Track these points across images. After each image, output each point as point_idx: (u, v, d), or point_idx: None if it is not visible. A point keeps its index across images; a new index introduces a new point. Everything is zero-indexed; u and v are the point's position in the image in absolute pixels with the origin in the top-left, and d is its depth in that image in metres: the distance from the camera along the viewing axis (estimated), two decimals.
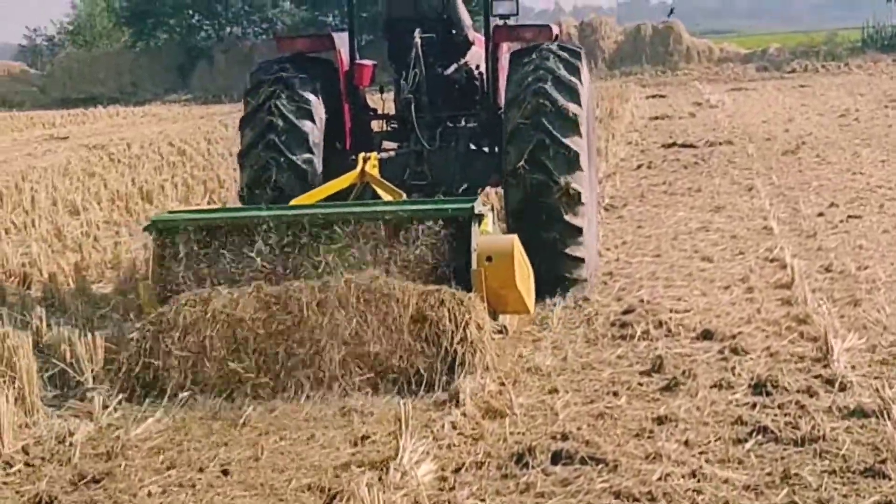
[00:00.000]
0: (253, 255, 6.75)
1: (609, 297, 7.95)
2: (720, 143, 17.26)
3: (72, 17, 57.15)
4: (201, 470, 5.09)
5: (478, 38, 9.39)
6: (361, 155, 8.15)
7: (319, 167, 8.27)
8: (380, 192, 7.76)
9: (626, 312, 7.40)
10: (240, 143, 8.49)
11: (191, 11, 48.86)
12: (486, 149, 9.00)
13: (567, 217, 7.78)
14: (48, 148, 24.02)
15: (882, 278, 7.91)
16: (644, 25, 46.04)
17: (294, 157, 8.12)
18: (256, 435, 5.51)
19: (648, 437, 5.18)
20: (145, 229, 7.12)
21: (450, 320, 6.18)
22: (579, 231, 7.86)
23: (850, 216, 10.46)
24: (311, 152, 8.23)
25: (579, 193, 7.78)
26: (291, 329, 6.22)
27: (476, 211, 6.63)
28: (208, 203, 13.15)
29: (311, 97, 8.34)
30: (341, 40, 8.96)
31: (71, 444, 5.43)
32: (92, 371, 6.37)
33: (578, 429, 5.30)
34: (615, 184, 13.37)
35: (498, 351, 6.53)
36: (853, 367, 5.97)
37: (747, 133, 18.77)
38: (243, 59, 46.71)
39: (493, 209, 7.30)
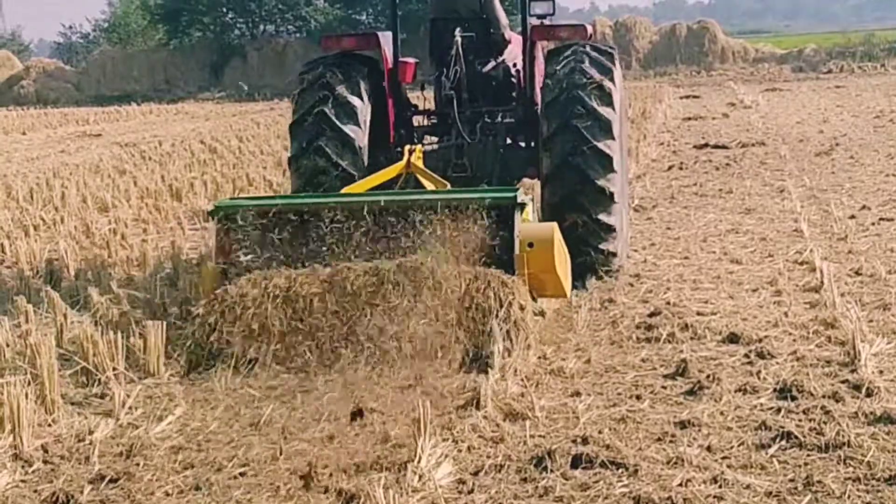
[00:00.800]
0: (313, 238, 7.13)
1: (635, 298, 7.88)
2: (753, 144, 17.16)
3: (107, 15, 57.68)
4: (219, 470, 5.06)
5: (514, 36, 9.81)
6: (407, 147, 8.56)
7: (366, 165, 8.70)
8: (425, 182, 8.14)
9: (652, 315, 7.33)
10: (290, 148, 8.98)
11: (225, 9, 49.10)
12: (522, 143, 9.49)
13: (600, 216, 8.20)
14: (81, 145, 24.16)
15: None
16: (679, 25, 45.90)
17: (341, 161, 8.56)
18: (276, 435, 5.47)
19: (670, 442, 5.12)
20: (210, 214, 7.53)
21: (495, 301, 6.57)
22: (612, 228, 8.30)
23: (882, 219, 10.35)
24: (357, 154, 8.66)
25: (612, 193, 8.20)
26: (347, 308, 6.57)
27: (518, 200, 7.02)
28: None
29: (357, 100, 8.75)
30: (385, 39, 9.31)
31: (90, 443, 5.41)
32: (114, 370, 6.36)
33: (599, 432, 5.24)
34: (645, 185, 13.28)
35: (524, 351, 6.50)
36: (881, 372, 5.89)
37: (780, 134, 18.64)
38: (277, 57, 47.03)
39: (532, 199, 7.52)
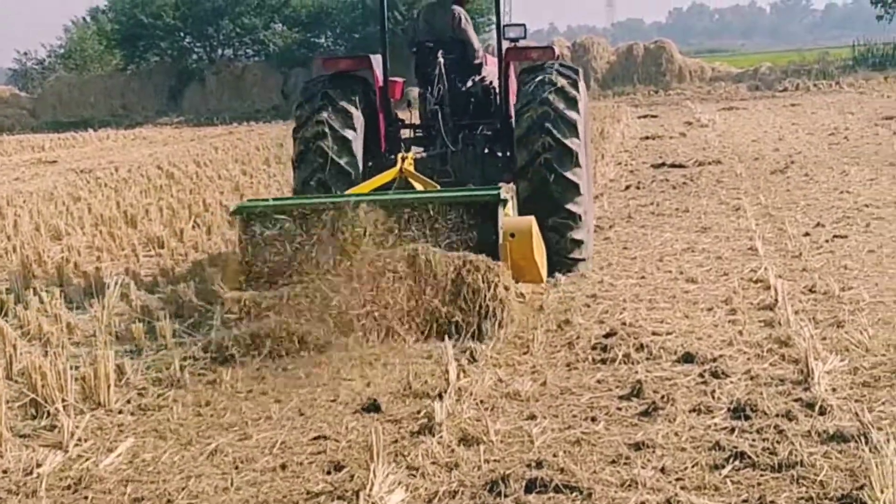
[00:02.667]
0: (324, 234, 8.07)
1: (591, 319, 7.87)
2: (709, 163, 17.26)
3: (63, 41, 57.32)
4: (170, 501, 4.99)
5: (489, 57, 11.13)
6: (400, 154, 9.70)
7: (361, 168, 9.78)
8: (417, 184, 9.24)
9: (608, 335, 7.31)
10: (293, 149, 9.98)
11: (182, 34, 48.90)
12: (499, 152, 10.60)
13: (568, 206, 9.28)
14: (36, 172, 23.94)
15: (866, 299, 7.84)
16: (636, 45, 46.21)
17: (340, 160, 9.62)
18: (228, 464, 5.40)
19: (625, 464, 5.08)
20: (232, 213, 8.69)
21: (483, 282, 7.59)
22: (579, 217, 9.34)
23: (835, 236, 10.40)
24: (354, 156, 9.74)
25: (578, 185, 9.30)
26: (361, 289, 7.57)
27: (501, 197, 8.07)
28: (193, 226, 13.08)
29: (353, 110, 9.86)
30: (376, 61, 10.47)
31: (38, 476, 5.31)
32: (63, 401, 6.27)
33: (554, 456, 5.20)
34: (603, 204, 13.30)
35: (478, 375, 6.48)
36: (834, 391, 5.88)
37: (737, 152, 18.77)
38: (235, 81, 46.93)
39: (513, 197, 8.65)
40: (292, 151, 10.04)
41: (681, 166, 17.13)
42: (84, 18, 57.78)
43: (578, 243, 9.41)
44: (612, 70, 44.72)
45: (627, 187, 15.17)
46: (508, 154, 10.24)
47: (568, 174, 9.26)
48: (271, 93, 46.46)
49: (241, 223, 8.28)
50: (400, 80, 10.70)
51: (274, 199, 9.18)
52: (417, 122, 11.02)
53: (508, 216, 8.22)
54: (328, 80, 10.21)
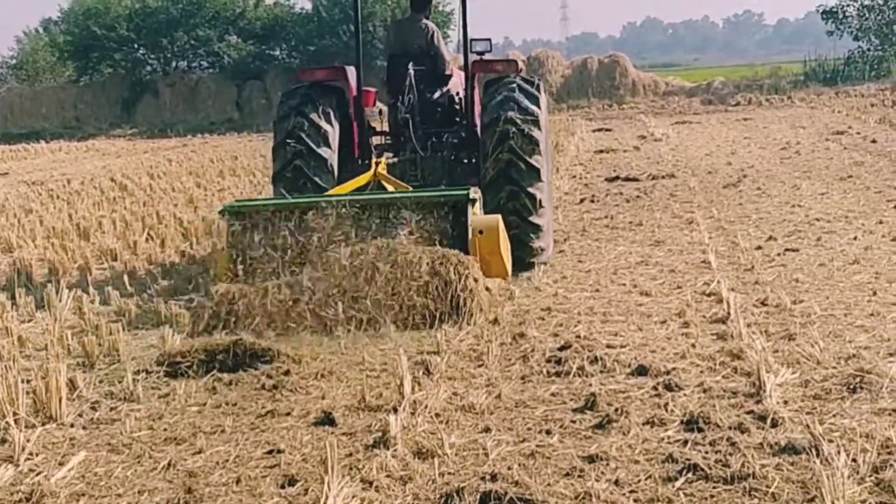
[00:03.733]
0: (307, 230, 8.85)
1: (546, 332, 7.89)
2: (663, 177, 17.38)
3: (15, 52, 56.77)
4: None
5: (455, 70, 11.84)
6: (374, 160, 10.65)
7: (335, 181, 10.38)
8: (389, 186, 10.03)
9: (562, 349, 7.33)
10: (272, 164, 10.69)
11: (136, 45, 48.53)
12: (465, 159, 11.29)
13: (531, 217, 10.02)
14: None
15: (817, 312, 7.92)
16: (591, 59, 46.42)
17: (316, 178, 10.26)
18: (182, 478, 5.37)
19: (579, 477, 5.09)
20: (220, 212, 9.35)
21: (454, 274, 8.26)
22: (539, 227, 10.13)
23: (787, 249, 10.50)
24: (330, 147, 10.44)
25: (539, 200, 10.03)
26: (342, 282, 8.26)
27: (471, 197, 8.86)
28: (146, 238, 13.00)
29: (327, 125, 10.49)
30: (350, 72, 11.22)
31: None
32: (14, 414, 6.20)
33: (509, 469, 5.21)
34: (557, 218, 13.34)
35: (432, 388, 6.49)
36: (785, 403, 5.93)
37: (690, 166, 18.91)
38: (189, 92, 46.70)
39: (480, 197, 9.32)
40: (272, 144, 10.77)
41: (635, 180, 17.25)
42: (36, 29, 57.37)
43: (539, 250, 10.21)
44: (566, 84, 44.90)
45: (582, 200, 15.25)
46: (473, 160, 11.00)
47: (530, 188, 10.00)
48: (226, 105, 46.28)
49: (228, 222, 9.05)
50: (373, 90, 11.59)
51: (257, 200, 9.99)
52: (387, 129, 11.72)
53: (476, 215, 8.97)
54: (306, 88, 10.90)
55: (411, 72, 10.97)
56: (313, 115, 10.44)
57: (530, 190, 9.98)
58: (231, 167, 22.60)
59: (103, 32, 46.65)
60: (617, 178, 17.68)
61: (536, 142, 10.06)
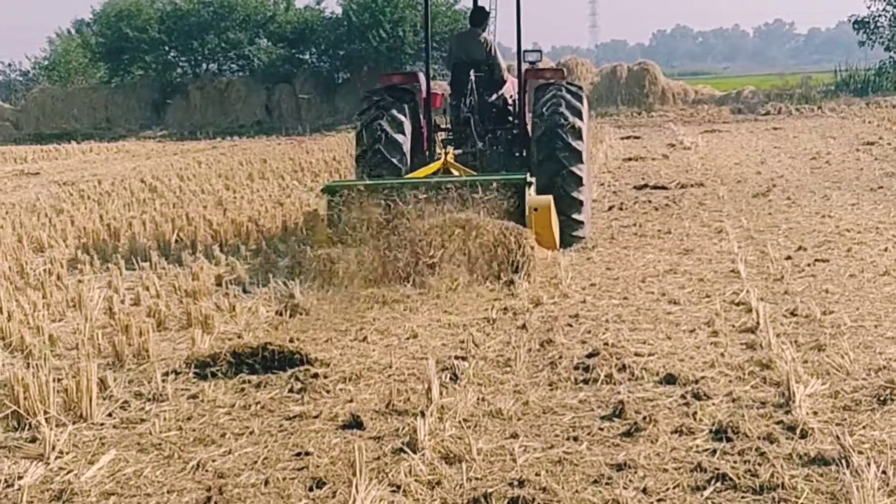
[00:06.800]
0: (396, 205, 10.42)
1: (574, 339, 7.89)
2: (692, 185, 17.32)
3: (47, 53, 57.15)
4: None
5: (509, 76, 13.79)
6: (443, 150, 12.51)
7: (408, 163, 12.27)
8: (457, 172, 11.76)
9: (590, 356, 7.33)
10: (355, 148, 12.57)
11: (167, 48, 48.76)
12: (517, 153, 13.24)
13: (573, 193, 11.72)
14: (18, 184, 23.87)
15: (847, 323, 7.88)
16: (620, 67, 46.25)
17: (392, 159, 12.10)
18: (210, 478, 5.40)
19: (606, 485, 5.10)
20: (321, 191, 11.35)
21: (514, 243, 9.96)
22: (581, 203, 11.85)
23: (817, 260, 10.45)
24: (403, 154, 12.21)
25: (581, 177, 11.77)
26: (425, 247, 9.85)
27: (528, 180, 10.66)
28: (175, 240, 13.07)
29: (402, 117, 12.36)
30: (422, 77, 13.33)
31: (19, 489, 5.30)
32: (45, 413, 6.25)
33: (536, 475, 5.21)
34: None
35: (460, 394, 6.50)
36: (815, 414, 5.91)
37: (719, 175, 18.84)
38: (219, 95, 46.88)
39: (535, 181, 11.07)
40: (355, 133, 12.86)
41: (663, 188, 17.21)
42: (69, 31, 57.69)
43: (580, 223, 11.91)
44: (595, 91, 44.74)
45: (610, 208, 15.23)
46: (524, 153, 13.08)
47: (573, 167, 11.72)
48: (255, 108, 46.40)
49: (327, 198, 10.76)
50: (441, 92, 13.89)
51: (351, 181, 11.43)
52: (450, 126, 13.66)
53: (531, 196, 10.60)
54: (384, 90, 12.80)
55: (472, 78, 12.93)
56: (389, 118, 12.23)
57: (573, 169, 11.68)
58: (260, 170, 22.67)
59: (135, 34, 46.89)
60: (645, 185, 17.65)
61: (579, 130, 11.78)
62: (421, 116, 13.03)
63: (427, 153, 13.02)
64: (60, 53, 54.92)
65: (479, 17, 13.77)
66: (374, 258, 9.89)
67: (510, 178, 10.78)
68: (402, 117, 12.35)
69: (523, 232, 10.10)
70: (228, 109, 46.40)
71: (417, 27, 43.89)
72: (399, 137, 12.21)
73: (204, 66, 49.44)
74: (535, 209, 10.48)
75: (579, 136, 11.81)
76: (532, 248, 10.04)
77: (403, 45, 44.31)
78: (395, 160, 12.07)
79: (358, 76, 45.26)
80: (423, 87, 13.20)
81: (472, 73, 12.99)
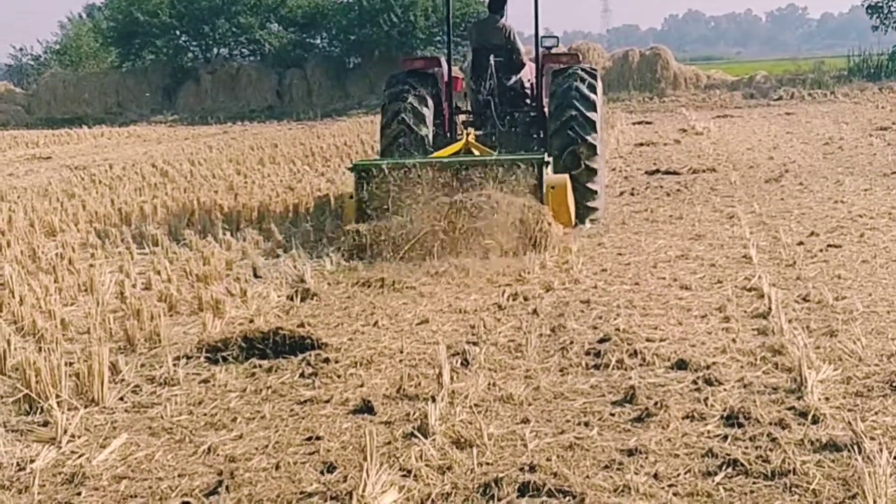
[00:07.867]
0: (422, 183, 10.88)
1: (585, 324, 7.88)
2: (703, 171, 17.28)
3: (59, 37, 57.19)
4: (163, 499, 4.98)
5: (527, 61, 14.22)
6: (465, 131, 12.82)
7: (432, 139, 12.95)
8: (477, 151, 12.21)
9: (601, 341, 7.32)
10: (380, 142, 13.14)
11: (178, 32, 48.74)
12: (534, 134, 13.87)
13: (588, 162, 12.21)
14: (30, 168, 23.92)
15: (859, 308, 7.86)
16: (632, 52, 46.05)
17: (415, 153, 12.39)
18: (221, 462, 5.41)
19: (618, 470, 5.09)
20: (350, 169, 11.72)
21: (533, 219, 10.45)
22: (595, 171, 12.35)
23: (829, 245, 10.42)
24: (426, 147, 12.70)
25: (595, 146, 12.32)
26: (450, 221, 10.36)
27: (545, 160, 11.13)
28: (187, 224, 13.08)
29: (424, 108, 12.93)
30: (443, 62, 13.87)
31: (31, 472, 5.31)
32: (57, 396, 6.27)
33: (547, 460, 5.21)
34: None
35: (471, 379, 6.49)
36: (827, 399, 5.90)
37: (731, 160, 18.78)
38: (230, 80, 46.84)
39: (552, 161, 11.51)
40: (379, 123, 13.28)
41: (675, 173, 17.17)
42: (80, 15, 57.86)
43: (594, 192, 12.35)
44: (607, 76, 44.53)
45: (622, 193, 15.20)
46: (541, 135, 13.55)
47: (588, 137, 12.23)
48: (266, 93, 46.38)
49: (357, 176, 11.24)
50: (461, 76, 14.48)
51: (379, 160, 11.99)
52: (470, 109, 14.12)
53: (549, 175, 11.10)
54: (405, 74, 13.40)
55: (492, 62, 13.34)
56: (413, 101, 12.82)
57: (588, 139, 12.20)
58: (271, 155, 22.68)
59: (146, 19, 46.87)
60: (657, 171, 17.62)
61: (593, 102, 12.45)
62: (442, 99, 13.53)
63: (448, 134, 13.55)
64: (72, 38, 55.00)
65: (498, 3, 14.11)
66: (403, 233, 10.37)
67: (528, 158, 11.18)
68: (423, 109, 12.89)
69: (541, 208, 10.57)
70: (239, 94, 46.38)
71: (429, 11, 43.78)
72: (422, 130, 12.77)
73: (215, 50, 49.40)
74: (553, 187, 10.99)
75: (593, 108, 12.41)
76: (549, 223, 10.53)
77: (415, 29, 44.21)
78: (417, 153, 12.40)
79: (369, 61, 45.21)
80: (445, 72, 13.70)
81: (491, 58, 13.39)
